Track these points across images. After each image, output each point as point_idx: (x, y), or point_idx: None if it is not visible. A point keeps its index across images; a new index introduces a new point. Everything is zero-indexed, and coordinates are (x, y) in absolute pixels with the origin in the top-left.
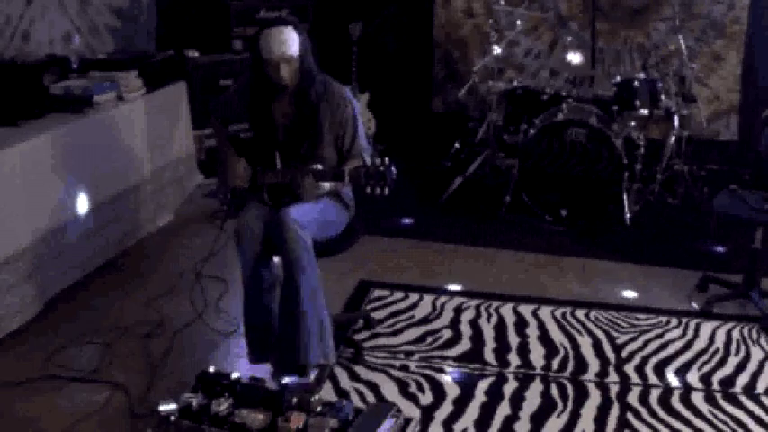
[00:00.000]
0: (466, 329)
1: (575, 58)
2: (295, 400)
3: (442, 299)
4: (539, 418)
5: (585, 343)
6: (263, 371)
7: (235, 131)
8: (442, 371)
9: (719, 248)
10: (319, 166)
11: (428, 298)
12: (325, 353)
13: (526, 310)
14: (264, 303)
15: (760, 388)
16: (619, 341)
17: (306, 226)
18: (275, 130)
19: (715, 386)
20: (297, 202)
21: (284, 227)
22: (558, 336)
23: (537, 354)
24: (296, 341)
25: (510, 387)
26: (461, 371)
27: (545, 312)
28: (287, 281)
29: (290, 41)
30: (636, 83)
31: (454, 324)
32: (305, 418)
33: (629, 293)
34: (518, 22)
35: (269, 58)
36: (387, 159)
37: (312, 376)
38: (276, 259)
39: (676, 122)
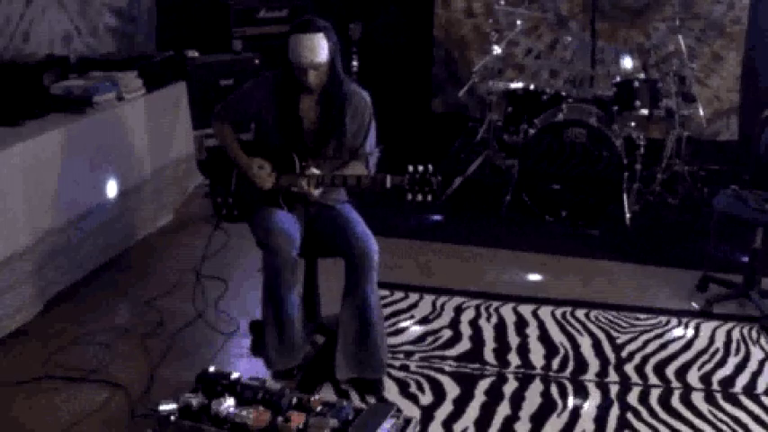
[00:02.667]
0: (466, 329)
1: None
2: (295, 399)
3: (442, 299)
4: (539, 418)
5: (585, 343)
6: (263, 371)
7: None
8: (442, 371)
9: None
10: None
11: (428, 298)
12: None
13: (526, 310)
14: (286, 307)
15: (760, 388)
16: (619, 341)
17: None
18: (301, 129)
19: (715, 386)
20: (324, 210)
21: (367, 258)
22: (558, 336)
23: (537, 354)
24: (369, 356)
25: (510, 387)
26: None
27: (545, 312)
28: (359, 300)
29: (320, 49)
30: (636, 83)
31: (454, 324)
32: (305, 418)
33: (630, 293)
34: (518, 22)
35: (297, 63)
36: (431, 167)
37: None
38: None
39: (676, 122)
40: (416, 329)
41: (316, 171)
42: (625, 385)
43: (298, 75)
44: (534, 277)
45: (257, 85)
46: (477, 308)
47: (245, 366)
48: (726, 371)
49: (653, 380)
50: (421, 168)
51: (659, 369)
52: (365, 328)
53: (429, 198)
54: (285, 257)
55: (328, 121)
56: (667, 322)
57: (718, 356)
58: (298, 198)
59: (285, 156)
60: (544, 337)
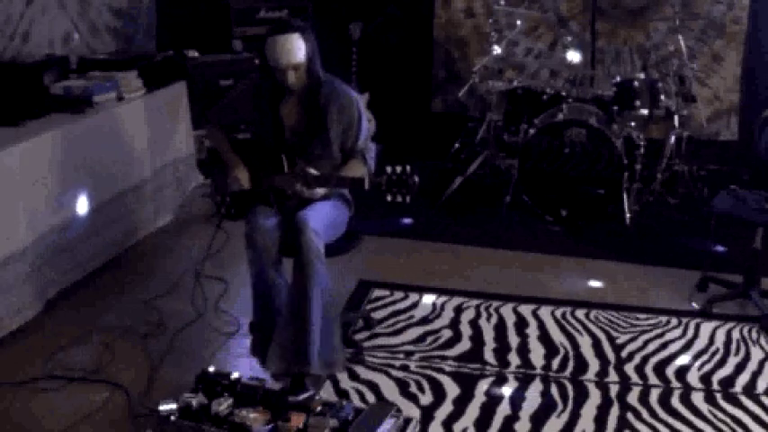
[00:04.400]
0: (466, 329)
1: (574, 57)
2: None
3: (442, 299)
4: (539, 418)
5: (585, 343)
6: (264, 371)
7: (233, 136)
8: (442, 370)
9: (719, 248)
10: (332, 171)
11: (428, 298)
12: (327, 362)
13: (526, 310)
14: (274, 306)
15: (760, 388)
16: (619, 341)
17: (321, 233)
18: (283, 131)
19: (715, 386)
20: (308, 204)
21: (302, 235)
22: (558, 336)
23: (537, 354)
24: (299, 348)
25: (510, 387)
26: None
27: (545, 312)
28: (297, 286)
29: (296, 50)
30: (636, 83)
31: (454, 324)
32: (305, 418)
33: (630, 293)
34: (518, 22)
35: (276, 64)
36: (408, 167)
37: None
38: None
39: (676, 122)
40: (416, 329)
41: (313, 171)
42: (625, 385)
43: (277, 76)
44: (534, 277)
45: (241, 92)
46: (477, 308)
47: (245, 366)
48: (726, 371)
49: (653, 380)
50: (399, 169)
51: (659, 369)
52: (301, 324)
53: (407, 199)
54: (262, 254)
55: (310, 121)
56: (667, 322)
57: (718, 356)
58: (287, 196)
59: (275, 156)
60: (544, 337)
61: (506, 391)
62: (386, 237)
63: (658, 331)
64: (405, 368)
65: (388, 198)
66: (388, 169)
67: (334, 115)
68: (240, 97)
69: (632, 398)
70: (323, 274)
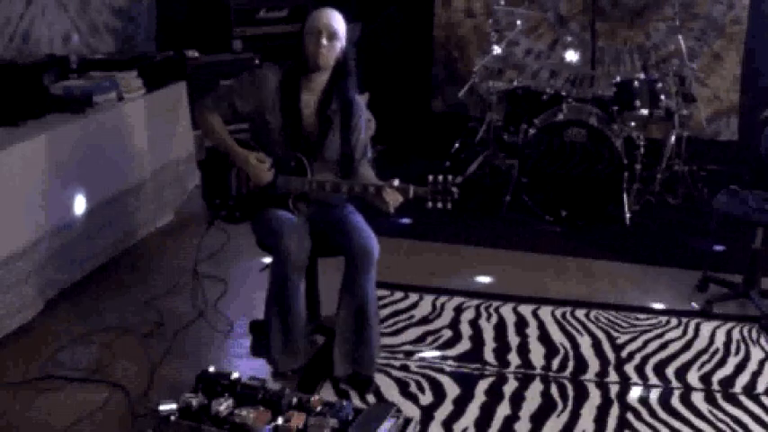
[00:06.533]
0: (466, 329)
1: (573, 56)
2: (295, 400)
3: (442, 299)
4: (539, 418)
5: (585, 343)
6: (263, 371)
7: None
8: (442, 370)
9: (719, 247)
10: (396, 182)
11: (428, 298)
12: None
13: (526, 310)
14: (292, 310)
15: (760, 388)
16: (619, 341)
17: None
18: (301, 130)
19: (715, 386)
20: (323, 208)
21: (369, 253)
22: (558, 336)
23: (537, 354)
24: (364, 353)
25: (510, 387)
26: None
27: (545, 312)
28: (357, 297)
29: (338, 20)
30: (636, 83)
31: (454, 324)
32: (305, 418)
33: (630, 293)
34: (518, 22)
35: (314, 26)
36: (450, 177)
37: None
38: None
39: (676, 122)
40: (416, 329)
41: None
42: (625, 385)
43: (309, 48)
44: (534, 277)
45: (265, 76)
46: (477, 308)
47: (245, 366)
48: (726, 371)
49: (653, 380)
50: (441, 178)
51: (659, 369)
52: (362, 325)
53: (449, 206)
54: (295, 261)
55: (326, 122)
56: (667, 322)
57: (718, 356)
58: (302, 199)
59: (291, 157)
60: (544, 337)
61: (506, 391)
62: (386, 237)
63: (658, 331)
64: (405, 368)
65: (429, 205)
66: (431, 178)
67: (348, 121)
68: (256, 84)
69: (632, 398)
70: (374, 282)
